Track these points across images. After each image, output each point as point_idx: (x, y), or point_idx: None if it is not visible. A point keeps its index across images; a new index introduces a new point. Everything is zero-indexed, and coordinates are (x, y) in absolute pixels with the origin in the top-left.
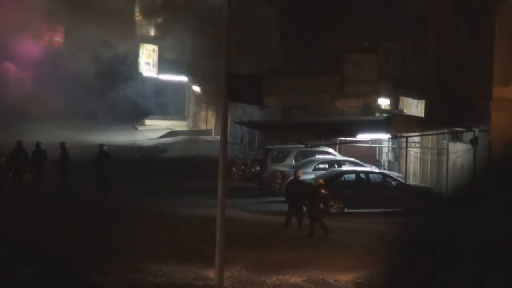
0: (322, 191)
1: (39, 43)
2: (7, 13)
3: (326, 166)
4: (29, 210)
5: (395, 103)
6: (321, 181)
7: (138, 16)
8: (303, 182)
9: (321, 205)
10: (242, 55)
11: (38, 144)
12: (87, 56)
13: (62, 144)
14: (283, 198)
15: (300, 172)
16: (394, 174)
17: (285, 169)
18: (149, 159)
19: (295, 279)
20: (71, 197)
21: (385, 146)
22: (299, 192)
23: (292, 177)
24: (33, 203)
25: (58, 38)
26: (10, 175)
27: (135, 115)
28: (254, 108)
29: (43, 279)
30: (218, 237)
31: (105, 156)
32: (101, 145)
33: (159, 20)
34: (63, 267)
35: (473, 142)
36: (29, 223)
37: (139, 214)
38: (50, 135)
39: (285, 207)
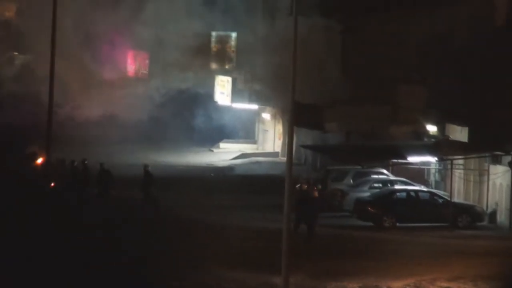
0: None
1: (127, 73)
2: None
3: (380, 185)
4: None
5: (441, 129)
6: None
7: (214, 51)
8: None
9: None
10: (306, 84)
11: (101, 165)
12: (169, 86)
13: (145, 166)
14: (343, 213)
15: (305, 185)
16: (440, 192)
17: (344, 187)
18: (223, 178)
19: (352, 285)
20: (151, 212)
21: (432, 167)
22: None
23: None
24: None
25: (143, 70)
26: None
27: (211, 139)
28: (317, 133)
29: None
30: (284, 248)
31: (148, 176)
32: (145, 166)
33: (233, 54)
34: (145, 272)
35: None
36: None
37: (213, 227)
38: (135, 157)
39: (346, 221)
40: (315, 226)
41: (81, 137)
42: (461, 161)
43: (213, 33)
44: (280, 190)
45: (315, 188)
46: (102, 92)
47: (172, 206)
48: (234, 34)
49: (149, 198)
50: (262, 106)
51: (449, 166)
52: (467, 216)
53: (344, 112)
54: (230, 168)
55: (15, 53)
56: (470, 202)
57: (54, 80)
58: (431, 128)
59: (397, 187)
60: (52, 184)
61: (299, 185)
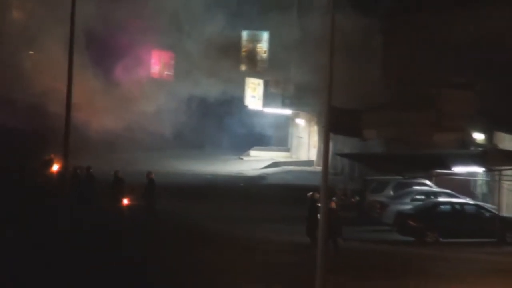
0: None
1: (151, 75)
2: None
3: (423, 197)
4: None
5: (489, 138)
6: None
7: (244, 52)
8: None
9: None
10: (344, 88)
11: (116, 173)
12: (196, 89)
13: (148, 174)
14: (382, 227)
15: (333, 202)
16: (487, 205)
17: (384, 199)
18: (253, 188)
19: None
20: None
21: (479, 178)
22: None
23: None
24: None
25: (168, 72)
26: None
27: (241, 146)
28: (355, 140)
29: None
30: (318, 262)
31: (151, 184)
32: (148, 173)
33: (264, 55)
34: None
35: None
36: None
37: (238, 240)
38: (158, 164)
39: (385, 236)
40: (337, 239)
41: (104, 143)
42: (510, 172)
43: (244, 32)
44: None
45: (333, 198)
46: (123, 95)
47: (198, 217)
48: (266, 34)
49: (150, 208)
50: (296, 111)
51: (497, 177)
52: None
53: (384, 117)
54: (261, 178)
55: (31, 52)
56: None
57: (72, 81)
58: (478, 136)
59: (441, 199)
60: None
61: (310, 193)
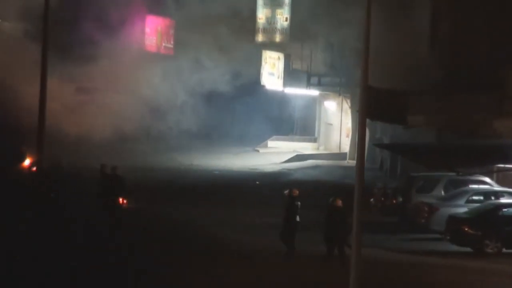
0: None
1: (145, 48)
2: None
3: (481, 198)
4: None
5: None
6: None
7: (261, 19)
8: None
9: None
10: (384, 64)
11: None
12: (200, 64)
13: (112, 169)
14: (431, 235)
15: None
16: None
17: (433, 201)
18: (272, 187)
19: None
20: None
21: None
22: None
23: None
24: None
25: (168, 44)
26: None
27: (257, 135)
28: (397, 129)
29: None
30: (352, 278)
31: (117, 181)
32: (112, 168)
33: (286, 23)
34: None
35: None
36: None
37: (247, 250)
38: (157, 159)
39: (434, 246)
40: (344, 246)
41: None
42: None
43: None
44: (347, 204)
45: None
46: (111, 74)
47: (202, 222)
48: None
49: (111, 211)
50: (325, 92)
51: None
52: None
53: (434, 101)
54: (281, 174)
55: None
56: None
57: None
58: None
59: (503, 200)
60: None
61: (287, 190)
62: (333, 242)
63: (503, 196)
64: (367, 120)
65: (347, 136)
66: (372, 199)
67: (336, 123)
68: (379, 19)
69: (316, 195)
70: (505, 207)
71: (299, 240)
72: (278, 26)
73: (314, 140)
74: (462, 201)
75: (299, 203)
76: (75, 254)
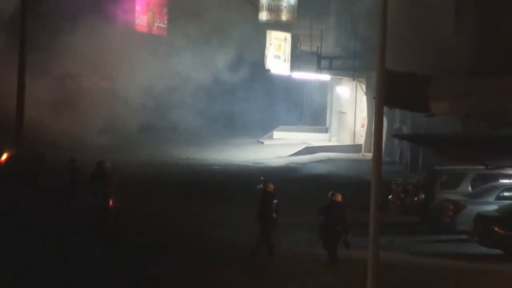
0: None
1: (135, 27)
2: None
3: None
4: None
5: None
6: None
7: None
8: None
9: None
10: (403, 44)
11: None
12: (196, 46)
13: (71, 162)
14: (457, 236)
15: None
16: None
17: (459, 198)
18: (278, 183)
19: None
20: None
21: None
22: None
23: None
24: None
25: (160, 23)
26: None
27: (261, 125)
28: (418, 117)
29: None
30: (369, 285)
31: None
32: (71, 161)
33: (293, 0)
34: None
35: None
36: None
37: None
38: (148, 152)
39: (460, 247)
40: (336, 244)
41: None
42: None
43: None
44: (362, 201)
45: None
46: (99, 57)
47: (198, 224)
48: None
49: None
50: (337, 76)
51: None
52: None
53: (460, 85)
54: (288, 169)
55: None
56: None
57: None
58: None
59: None
60: None
61: (260, 185)
62: (331, 238)
63: None
64: (385, 108)
65: (362, 126)
66: (390, 196)
67: (350, 112)
68: None
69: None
70: None
71: (297, 241)
72: (284, 3)
73: (325, 131)
74: (491, 198)
75: (276, 200)
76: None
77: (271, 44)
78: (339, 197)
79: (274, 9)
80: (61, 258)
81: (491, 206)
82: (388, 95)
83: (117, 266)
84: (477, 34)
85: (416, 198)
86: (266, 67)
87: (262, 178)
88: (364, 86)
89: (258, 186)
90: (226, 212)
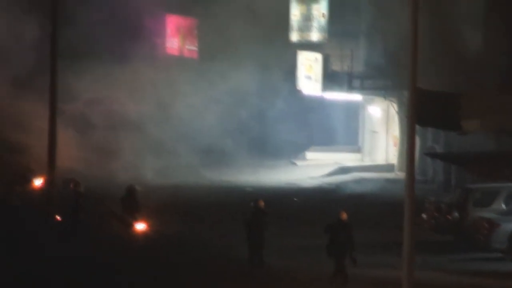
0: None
1: (165, 50)
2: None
3: None
4: None
5: None
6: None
7: (295, 16)
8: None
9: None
10: (435, 63)
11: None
12: (227, 67)
13: (75, 184)
14: (491, 254)
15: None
16: None
17: (493, 215)
18: (312, 204)
19: None
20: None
21: None
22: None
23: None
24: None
25: (191, 46)
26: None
27: (293, 146)
28: (450, 135)
29: None
30: None
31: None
32: (74, 183)
33: (323, 20)
34: None
35: None
36: None
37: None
38: (182, 175)
39: (495, 266)
40: (345, 261)
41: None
42: None
43: None
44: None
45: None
46: (129, 81)
47: (233, 245)
48: None
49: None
50: (369, 96)
51: None
52: None
53: (491, 102)
54: (322, 189)
55: None
56: None
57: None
58: None
59: None
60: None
61: (253, 202)
62: (339, 255)
63: None
64: (417, 127)
65: (395, 145)
66: (424, 215)
67: (382, 131)
68: (425, 10)
69: (364, 212)
70: None
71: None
72: (315, 23)
73: (358, 150)
74: None
75: (267, 219)
76: None
77: (302, 64)
78: (344, 216)
79: (305, 29)
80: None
81: None
82: (420, 113)
83: None
84: (508, 49)
85: (449, 217)
86: (298, 88)
87: (295, 199)
88: (396, 105)
89: (251, 204)
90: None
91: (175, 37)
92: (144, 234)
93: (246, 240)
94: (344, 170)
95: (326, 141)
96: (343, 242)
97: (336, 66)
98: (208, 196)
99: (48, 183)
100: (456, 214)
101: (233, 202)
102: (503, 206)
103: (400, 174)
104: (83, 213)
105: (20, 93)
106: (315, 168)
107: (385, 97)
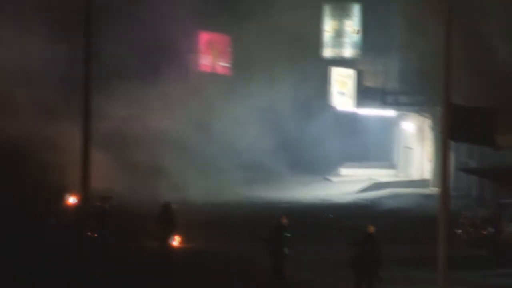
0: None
1: (198, 67)
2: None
3: None
4: None
5: None
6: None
7: (328, 32)
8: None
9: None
10: (469, 79)
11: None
12: (261, 84)
13: (102, 200)
14: None
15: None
16: None
17: None
18: (347, 220)
19: None
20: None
21: None
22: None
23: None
24: None
25: (224, 63)
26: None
27: (327, 162)
28: (485, 151)
29: None
30: None
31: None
32: (105, 198)
33: (356, 36)
34: None
35: None
36: None
37: None
38: (215, 191)
39: None
40: (375, 277)
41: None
42: None
43: (326, 6)
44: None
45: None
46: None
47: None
48: (357, 6)
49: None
50: (402, 112)
51: None
52: None
53: None
54: (357, 205)
55: None
56: None
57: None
58: None
59: None
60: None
61: (276, 219)
62: (364, 273)
63: None
64: (451, 142)
65: (429, 161)
66: (459, 230)
67: (417, 147)
68: (458, 26)
69: (399, 227)
70: None
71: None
72: (348, 39)
73: (392, 166)
74: None
75: (289, 234)
76: None
77: (335, 80)
78: (372, 229)
79: (337, 46)
80: None
81: None
82: (454, 129)
83: None
84: None
85: (484, 232)
86: (331, 104)
87: (330, 215)
88: (429, 121)
89: (274, 220)
90: (302, 251)
91: (208, 53)
92: (179, 250)
93: (268, 255)
94: (378, 185)
95: (360, 157)
96: (370, 255)
97: (369, 82)
98: (244, 212)
99: (81, 201)
100: (490, 229)
101: (268, 218)
102: None
103: (434, 190)
104: (108, 229)
105: (58, 114)
106: (349, 184)
107: (419, 112)
